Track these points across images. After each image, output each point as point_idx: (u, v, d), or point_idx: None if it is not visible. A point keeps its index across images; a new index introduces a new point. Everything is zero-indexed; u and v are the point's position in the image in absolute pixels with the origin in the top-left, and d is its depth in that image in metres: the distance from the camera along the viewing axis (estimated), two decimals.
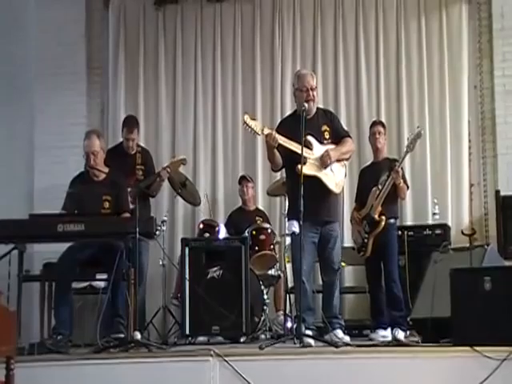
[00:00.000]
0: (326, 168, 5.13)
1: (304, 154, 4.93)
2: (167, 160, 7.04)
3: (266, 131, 5.02)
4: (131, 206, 5.47)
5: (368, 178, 5.94)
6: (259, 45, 7.48)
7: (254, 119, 5.10)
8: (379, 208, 5.68)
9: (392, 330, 5.51)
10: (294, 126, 5.12)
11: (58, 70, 7.30)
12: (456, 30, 7.21)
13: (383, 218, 5.65)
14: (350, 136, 5.43)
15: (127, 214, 5.22)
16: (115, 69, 7.56)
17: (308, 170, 4.97)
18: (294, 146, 5.01)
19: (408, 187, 5.99)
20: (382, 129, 6.03)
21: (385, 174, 5.76)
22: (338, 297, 5.29)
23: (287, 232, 5.24)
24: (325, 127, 5.27)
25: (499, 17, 7.01)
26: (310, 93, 5.18)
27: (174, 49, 7.55)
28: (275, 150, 5.06)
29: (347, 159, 5.40)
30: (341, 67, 7.35)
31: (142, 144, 6.67)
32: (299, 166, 4.87)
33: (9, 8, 7.41)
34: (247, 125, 5.00)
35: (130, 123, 6.29)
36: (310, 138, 5.11)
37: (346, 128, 5.69)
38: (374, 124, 6.13)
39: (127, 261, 4.83)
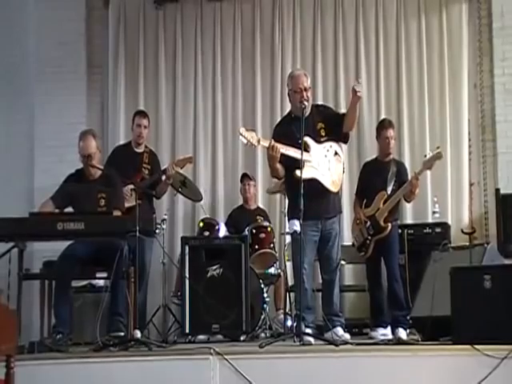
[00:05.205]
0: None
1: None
2: (167, 160, 7.06)
3: (264, 143, 5.01)
4: (129, 205, 5.48)
5: (373, 176, 5.88)
6: (259, 43, 7.48)
7: (249, 130, 5.09)
8: (385, 214, 5.66)
9: (394, 329, 5.50)
10: (289, 130, 5.15)
11: (57, 70, 7.29)
12: (456, 29, 7.22)
13: (389, 225, 5.63)
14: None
15: (118, 212, 5.20)
16: (115, 68, 7.56)
17: (306, 173, 4.97)
18: (292, 151, 5.01)
19: None
20: (393, 133, 5.91)
21: (393, 178, 5.72)
22: (337, 294, 5.30)
23: (288, 231, 5.25)
24: (320, 125, 5.27)
25: (499, 16, 7.02)
26: (304, 94, 5.16)
27: (174, 48, 7.55)
28: (278, 165, 5.05)
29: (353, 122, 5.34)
30: (341, 67, 7.35)
31: None
32: (297, 172, 4.89)
33: (8, 7, 7.41)
34: (243, 136, 4.98)
35: (142, 112, 6.45)
36: (307, 139, 5.09)
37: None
38: (384, 126, 5.91)
39: (127, 259, 4.83)
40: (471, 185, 6.99)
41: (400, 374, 4.10)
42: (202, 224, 6.45)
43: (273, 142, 5.02)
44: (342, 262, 5.96)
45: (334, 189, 5.23)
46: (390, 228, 5.64)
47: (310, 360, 4.20)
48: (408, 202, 6.05)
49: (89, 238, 5.01)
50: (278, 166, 5.09)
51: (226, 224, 6.56)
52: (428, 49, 7.25)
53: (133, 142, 6.33)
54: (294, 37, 7.47)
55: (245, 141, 5.01)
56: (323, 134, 5.25)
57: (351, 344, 4.67)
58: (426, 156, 5.80)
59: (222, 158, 7.41)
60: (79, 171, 5.50)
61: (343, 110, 7.07)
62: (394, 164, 5.88)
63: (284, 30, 7.47)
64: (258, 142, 5.02)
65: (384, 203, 5.69)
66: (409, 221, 6.89)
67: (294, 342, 4.62)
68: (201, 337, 5.64)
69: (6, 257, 4.63)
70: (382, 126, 5.97)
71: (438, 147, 5.89)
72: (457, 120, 7.13)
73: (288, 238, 5.65)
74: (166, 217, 6.33)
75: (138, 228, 4.70)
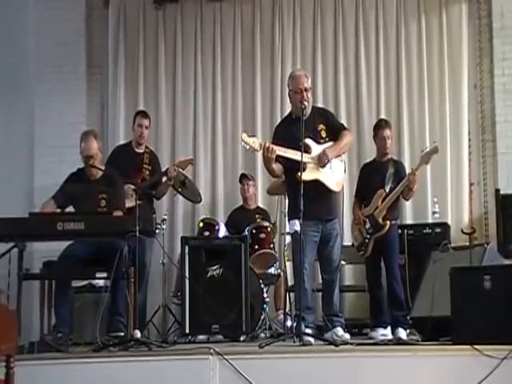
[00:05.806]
0: (324, 167, 5.13)
1: (303, 159, 4.92)
2: (167, 160, 7.06)
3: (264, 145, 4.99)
4: (130, 205, 5.48)
5: (371, 176, 5.87)
6: (259, 43, 7.48)
7: (251, 136, 5.06)
8: (384, 212, 5.65)
9: (394, 329, 5.49)
10: (289, 131, 5.13)
11: (57, 69, 7.30)
12: (456, 29, 7.22)
13: (387, 222, 5.61)
14: (346, 128, 5.43)
15: (119, 212, 5.20)
16: (115, 68, 7.55)
17: (308, 175, 4.97)
18: (292, 154, 4.99)
19: None
20: (390, 132, 5.88)
21: (391, 177, 5.72)
22: (337, 295, 5.30)
23: (289, 231, 5.24)
24: (321, 126, 5.26)
25: (499, 16, 7.02)
26: (305, 94, 5.14)
27: (174, 48, 7.55)
28: (274, 165, 5.01)
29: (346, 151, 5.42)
30: (341, 67, 7.35)
31: None
32: (299, 174, 4.87)
33: (8, 7, 7.40)
34: (245, 142, 4.95)
35: (144, 112, 6.47)
36: (308, 140, 5.08)
37: (341, 122, 5.71)
38: (381, 126, 5.89)
39: (127, 259, 4.82)
40: (471, 185, 7.00)
41: (400, 373, 4.10)
42: (201, 224, 6.46)
43: (267, 143, 5.00)
44: (342, 263, 5.96)
45: (337, 189, 5.24)
46: (388, 225, 5.62)
47: (310, 360, 4.20)
48: (406, 199, 6.03)
49: (89, 238, 5.01)
50: (274, 166, 5.04)
51: (226, 224, 6.56)
52: (428, 49, 7.25)
53: (133, 142, 6.33)
54: (293, 37, 7.47)
55: (247, 147, 4.99)
56: (324, 135, 5.24)
57: (351, 344, 4.67)
58: (423, 151, 5.81)
59: (222, 157, 7.41)
60: (81, 170, 5.51)
61: (343, 109, 7.27)
62: (392, 163, 5.88)
63: (284, 30, 7.47)
64: (260, 146, 4.99)
65: (382, 201, 5.69)
66: (409, 221, 6.89)
67: (294, 342, 4.62)
68: (201, 337, 5.63)
69: (5, 257, 4.62)
70: (379, 125, 5.97)
71: (434, 141, 5.91)
72: (457, 120, 7.13)
73: (288, 238, 5.66)
74: (165, 217, 6.34)
75: (137, 228, 4.70)
